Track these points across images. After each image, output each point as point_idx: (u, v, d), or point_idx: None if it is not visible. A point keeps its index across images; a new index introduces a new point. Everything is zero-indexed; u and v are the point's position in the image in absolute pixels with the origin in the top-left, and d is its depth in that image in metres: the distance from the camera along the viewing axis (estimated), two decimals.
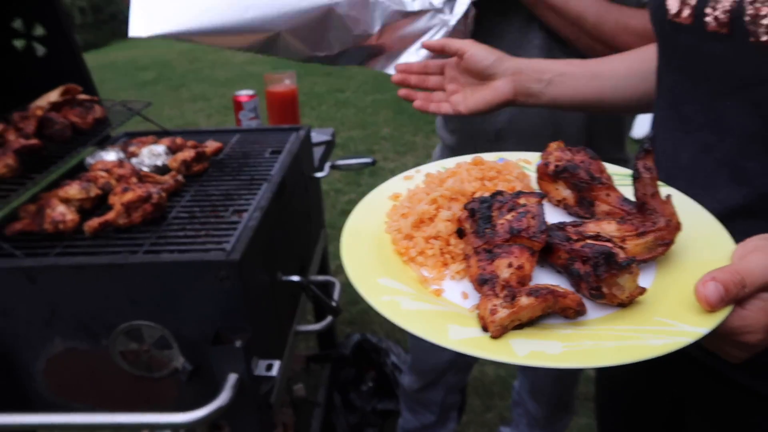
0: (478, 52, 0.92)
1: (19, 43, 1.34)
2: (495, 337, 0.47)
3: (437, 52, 1.01)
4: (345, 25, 1.07)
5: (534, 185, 0.71)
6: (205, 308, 0.90)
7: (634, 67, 0.91)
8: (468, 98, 0.95)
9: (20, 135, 1.08)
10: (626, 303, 0.51)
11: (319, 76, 6.16)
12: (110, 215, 0.97)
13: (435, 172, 0.73)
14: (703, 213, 0.62)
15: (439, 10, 1.09)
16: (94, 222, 0.96)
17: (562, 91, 0.93)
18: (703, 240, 0.58)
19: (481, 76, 0.94)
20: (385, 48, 1.13)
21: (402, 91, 1.01)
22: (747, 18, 0.61)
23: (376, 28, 1.09)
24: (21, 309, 0.91)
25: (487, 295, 0.49)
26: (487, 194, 0.60)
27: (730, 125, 0.66)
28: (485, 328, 0.48)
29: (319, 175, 1.48)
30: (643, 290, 0.51)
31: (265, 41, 1.05)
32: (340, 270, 2.83)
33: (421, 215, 0.62)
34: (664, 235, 0.55)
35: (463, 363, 1.63)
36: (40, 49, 1.34)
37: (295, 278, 1.11)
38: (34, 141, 1.03)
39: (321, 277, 1.29)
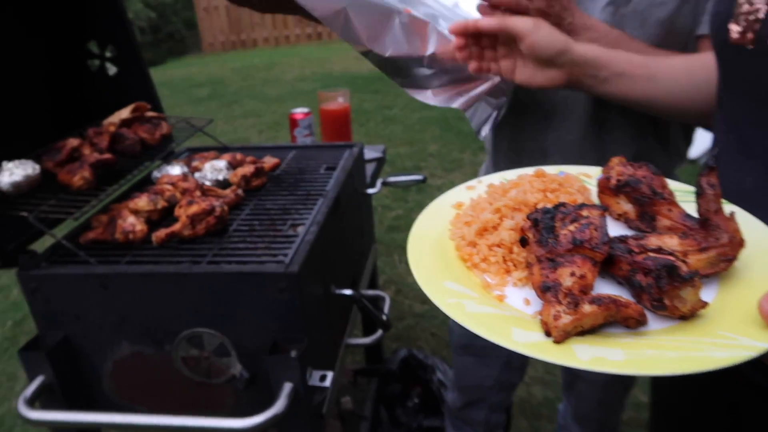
0: (540, 42, 0.87)
1: (93, 64, 1.42)
2: (558, 341, 0.49)
3: (495, 33, 0.94)
4: (401, 34, 1.07)
5: (595, 198, 0.72)
6: (263, 318, 0.93)
7: (695, 74, 0.89)
8: (519, 69, 0.92)
9: (94, 149, 1.15)
10: (688, 316, 0.51)
11: (367, 93, 6.25)
12: (176, 227, 1.02)
13: (497, 183, 0.76)
14: (762, 227, 0.62)
15: None
16: (161, 233, 1.01)
17: (616, 89, 0.92)
18: (765, 257, 0.58)
19: (538, 61, 0.90)
20: (434, 77, 1.13)
21: (463, 55, 0.95)
22: None
23: (429, 51, 1.10)
24: (93, 313, 0.96)
25: (550, 301, 0.51)
26: (549, 205, 0.62)
27: None
28: (548, 333, 0.49)
29: (371, 191, 1.51)
30: (705, 304, 0.51)
31: (333, 13, 1.01)
32: (387, 284, 2.86)
33: (485, 223, 0.65)
34: (727, 251, 0.55)
35: (506, 382, 1.61)
36: (112, 69, 1.42)
37: (348, 292, 1.14)
38: (108, 155, 1.09)
39: (371, 292, 1.32)
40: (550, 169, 0.76)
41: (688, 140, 1.25)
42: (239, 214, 1.14)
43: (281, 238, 1.04)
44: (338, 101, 1.78)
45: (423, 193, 3.91)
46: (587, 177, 0.77)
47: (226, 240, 1.04)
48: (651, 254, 0.53)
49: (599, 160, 1.17)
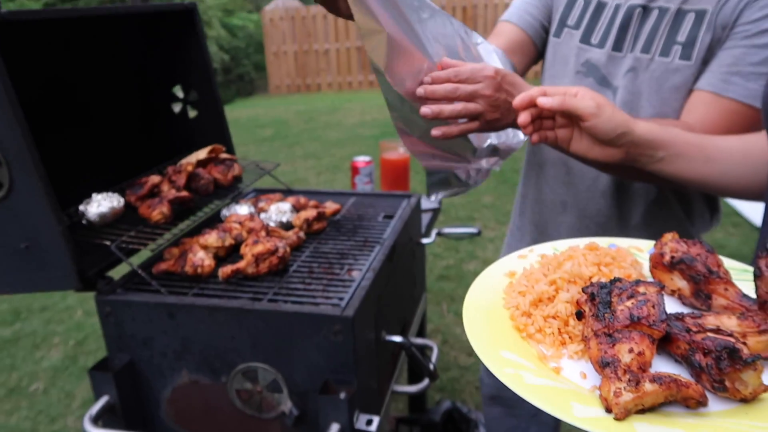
0: (602, 125, 0.87)
1: (176, 107, 1.54)
2: (619, 419, 0.49)
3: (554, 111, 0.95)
4: (417, 78, 1.05)
5: (647, 273, 0.73)
6: (317, 358, 0.97)
7: (751, 155, 0.90)
8: (576, 142, 0.91)
9: (173, 186, 1.23)
10: (749, 399, 0.51)
11: None
12: (241, 264, 1.08)
13: (550, 254, 0.78)
14: None
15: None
16: (227, 269, 1.07)
17: (671, 168, 0.93)
18: None
19: (597, 139, 0.90)
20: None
21: (529, 130, 0.94)
22: None
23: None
24: (159, 340, 1.03)
25: (610, 377, 0.51)
26: (605, 280, 0.62)
27: None
28: (609, 410, 0.50)
29: (425, 241, 1.54)
30: (766, 388, 0.51)
31: (373, 30, 1.00)
32: (434, 334, 2.85)
33: (540, 295, 0.66)
34: None
35: None
36: (192, 112, 1.54)
37: (398, 339, 1.16)
38: (185, 193, 1.17)
39: (420, 340, 1.34)
40: (602, 242, 0.78)
41: (712, 208, 1.27)
42: (299, 255, 1.20)
43: (338, 281, 1.09)
44: (399, 151, 1.85)
45: (475, 244, 3.91)
46: (639, 251, 0.78)
47: (286, 280, 1.10)
48: (710, 334, 0.53)
49: (617, 217, 1.22)
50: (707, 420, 0.50)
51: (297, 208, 1.34)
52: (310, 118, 8.43)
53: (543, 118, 0.91)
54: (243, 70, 12.71)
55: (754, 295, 0.61)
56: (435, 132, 1.00)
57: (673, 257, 0.66)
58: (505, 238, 1.57)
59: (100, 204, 1.09)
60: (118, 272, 1.13)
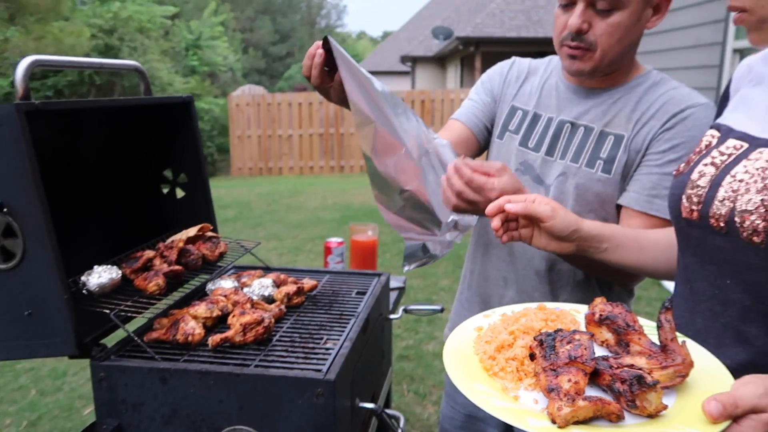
0: (557, 225, 1.06)
1: (165, 188, 1.66)
2: (561, 427, 0.66)
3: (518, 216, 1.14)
4: (397, 163, 1.25)
5: (583, 328, 0.91)
6: (299, 420, 1.06)
7: (673, 245, 1.10)
8: (536, 238, 1.10)
9: (164, 261, 1.34)
10: (654, 414, 0.69)
11: (386, 227, 6.56)
12: (230, 333, 1.18)
13: (510, 314, 0.97)
14: (709, 355, 0.81)
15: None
16: (216, 337, 1.17)
17: (613, 257, 1.13)
18: (708, 374, 0.77)
19: (553, 236, 1.09)
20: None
21: (500, 233, 1.12)
22: (737, 221, 0.82)
23: (408, 187, 1.29)
24: (150, 405, 1.09)
25: (554, 398, 0.70)
26: (550, 331, 0.82)
27: (731, 299, 0.85)
28: (554, 421, 0.67)
29: (393, 317, 1.66)
30: (665, 406, 0.69)
31: (365, 118, 1.18)
32: (398, 406, 2.89)
33: (502, 342, 0.85)
34: (681, 370, 0.74)
35: None
36: (180, 193, 1.66)
37: (371, 405, 1.26)
38: (178, 267, 1.28)
39: (390, 411, 1.43)
40: (549, 305, 0.98)
41: (629, 292, 1.48)
42: (281, 326, 1.30)
43: (318, 350, 1.19)
44: (368, 234, 2.00)
45: (433, 325, 4.03)
46: (577, 312, 0.98)
47: (270, 348, 1.19)
48: (626, 368, 0.72)
49: (550, 293, 1.43)
50: (624, 429, 0.68)
51: (278, 284, 1.45)
52: (272, 201, 8.59)
53: (509, 221, 1.11)
54: (207, 151, 12.93)
55: (658, 343, 0.79)
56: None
57: (601, 315, 0.85)
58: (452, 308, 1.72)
59: (101, 275, 1.18)
60: (108, 341, 1.20)
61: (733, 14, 0.93)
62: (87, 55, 12.83)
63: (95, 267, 1.20)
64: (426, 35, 19.59)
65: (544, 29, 13.94)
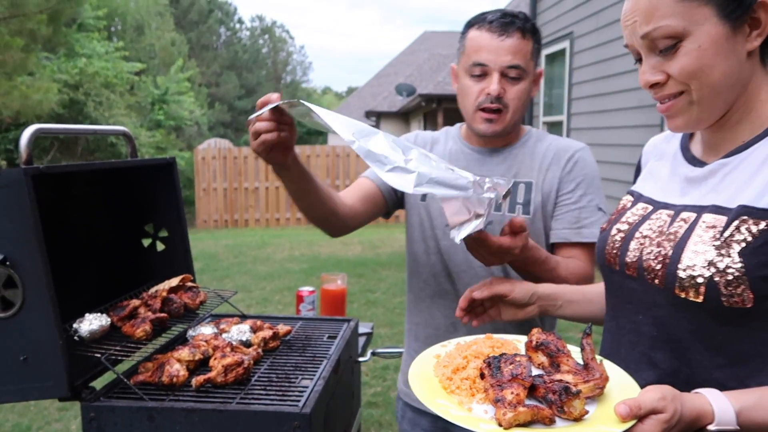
0: (518, 294, 1.26)
1: (146, 242, 1.77)
2: (506, 429, 0.82)
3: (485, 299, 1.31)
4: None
5: (523, 352, 1.08)
6: None
7: None
8: (504, 311, 1.30)
9: (149, 309, 1.44)
10: (578, 418, 0.85)
11: (352, 277, 6.67)
12: (212, 374, 1.28)
13: (462, 343, 1.14)
14: (621, 371, 0.99)
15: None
16: (200, 378, 1.27)
17: (568, 312, 1.31)
18: (621, 387, 0.94)
19: (518, 305, 1.29)
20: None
21: (466, 319, 1.31)
22: (644, 267, 1.01)
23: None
24: None
25: (500, 407, 0.86)
26: (497, 355, 0.99)
27: (643, 331, 1.02)
28: (500, 425, 0.83)
29: (362, 359, 1.78)
30: (587, 411, 0.86)
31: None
32: None
33: (457, 365, 1.02)
34: (599, 383, 0.91)
35: None
36: (161, 246, 1.77)
37: None
38: (163, 315, 1.38)
39: None
40: (496, 336, 1.16)
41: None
42: (259, 368, 1.40)
43: (294, 388, 1.30)
44: (338, 283, 2.13)
45: (399, 371, 4.10)
46: (518, 341, 1.15)
47: (249, 387, 1.30)
48: (556, 382, 0.89)
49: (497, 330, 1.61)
50: (556, 430, 0.84)
51: (254, 329, 1.56)
52: (239, 252, 8.61)
53: (475, 306, 1.31)
54: None
55: (582, 362, 0.96)
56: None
57: (537, 342, 1.02)
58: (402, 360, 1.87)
59: (92, 322, 1.28)
60: (95, 385, 1.29)
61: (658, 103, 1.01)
62: (52, 110, 12.86)
63: (86, 314, 1.30)
64: (390, 91, 20.25)
65: None
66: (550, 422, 0.84)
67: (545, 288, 1.30)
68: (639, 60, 0.98)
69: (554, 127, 8.57)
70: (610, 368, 0.98)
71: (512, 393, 0.86)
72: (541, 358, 1.01)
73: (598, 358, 0.96)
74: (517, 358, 0.96)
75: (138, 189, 1.70)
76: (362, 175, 1.74)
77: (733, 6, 0.89)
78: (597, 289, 1.33)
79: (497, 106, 1.51)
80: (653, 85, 0.96)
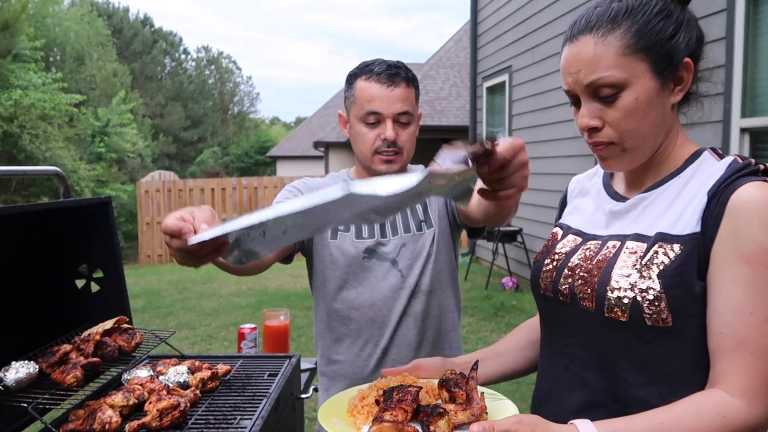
0: (430, 366, 1.30)
1: (79, 283, 1.73)
2: None
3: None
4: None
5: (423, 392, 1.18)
6: None
7: (524, 338, 1.34)
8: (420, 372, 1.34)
9: (80, 354, 1.40)
10: None
11: (301, 310, 6.60)
12: (147, 419, 1.25)
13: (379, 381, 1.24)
14: (508, 402, 1.10)
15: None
16: (134, 423, 1.24)
17: (492, 370, 1.33)
18: (502, 415, 1.03)
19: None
20: None
21: None
22: (576, 293, 1.07)
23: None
24: None
25: (374, 424, 1.00)
26: (394, 386, 1.11)
27: (576, 354, 1.09)
28: None
29: (304, 396, 1.77)
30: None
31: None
32: None
33: (364, 394, 1.16)
34: (475, 411, 1.01)
35: None
36: (95, 287, 1.73)
37: None
38: (96, 360, 1.35)
39: None
40: (409, 379, 1.25)
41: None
42: (197, 410, 1.38)
43: (232, 429, 1.29)
44: (280, 319, 2.12)
45: None
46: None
47: (187, 430, 1.28)
48: (431, 406, 1.03)
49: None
50: None
51: (192, 370, 1.53)
52: (183, 288, 8.39)
53: None
54: None
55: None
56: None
57: (441, 380, 1.14)
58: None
59: (18, 371, 1.24)
60: None
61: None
62: None
63: (12, 363, 1.26)
64: (338, 122, 20.36)
65: (447, 118, 15.04)
66: None
67: (460, 359, 1.35)
68: (575, 103, 1.07)
69: None
70: (495, 400, 1.10)
71: (391, 415, 0.99)
72: (445, 394, 1.11)
73: (487, 391, 1.10)
74: (409, 389, 1.07)
75: (72, 229, 1.67)
76: None
77: (664, 64, 1.01)
78: (506, 342, 1.38)
79: (394, 150, 1.65)
80: (590, 129, 1.06)
